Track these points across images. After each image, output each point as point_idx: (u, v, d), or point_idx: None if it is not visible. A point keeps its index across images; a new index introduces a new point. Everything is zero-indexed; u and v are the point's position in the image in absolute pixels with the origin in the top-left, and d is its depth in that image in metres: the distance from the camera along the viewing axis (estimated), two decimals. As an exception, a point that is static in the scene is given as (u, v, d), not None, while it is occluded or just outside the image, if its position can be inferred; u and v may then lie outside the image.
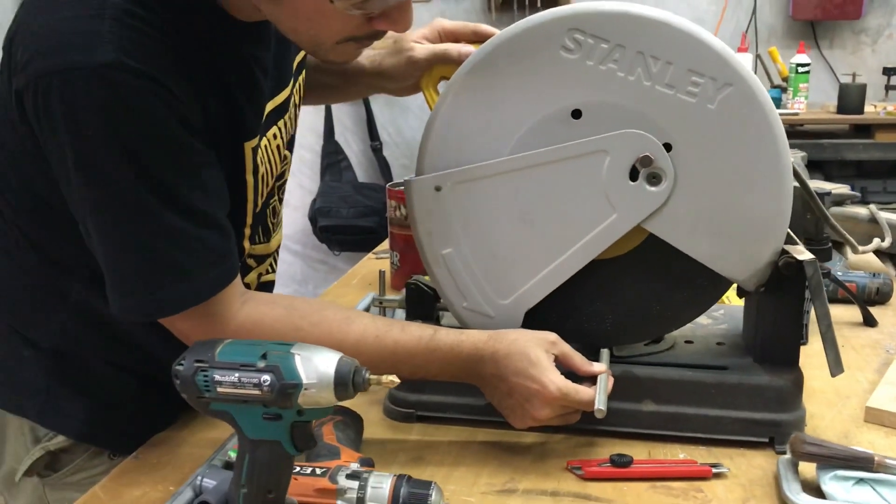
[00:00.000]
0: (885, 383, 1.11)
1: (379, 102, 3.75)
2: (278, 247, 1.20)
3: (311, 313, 0.94)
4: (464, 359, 0.95)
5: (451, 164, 0.99)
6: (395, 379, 0.71)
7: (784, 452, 0.94)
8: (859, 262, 1.66)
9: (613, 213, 0.96)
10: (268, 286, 1.19)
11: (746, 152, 0.92)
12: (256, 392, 0.70)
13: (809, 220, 1.29)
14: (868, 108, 3.01)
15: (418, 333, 0.96)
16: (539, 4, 3.44)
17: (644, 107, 0.92)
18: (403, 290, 1.15)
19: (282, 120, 1.08)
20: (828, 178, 3.16)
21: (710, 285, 0.99)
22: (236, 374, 0.70)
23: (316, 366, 0.70)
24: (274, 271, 1.20)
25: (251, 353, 0.71)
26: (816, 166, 3.12)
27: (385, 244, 1.97)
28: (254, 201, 1.03)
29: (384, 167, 3.81)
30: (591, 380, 0.96)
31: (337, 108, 3.74)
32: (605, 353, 1.02)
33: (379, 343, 0.94)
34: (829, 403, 1.09)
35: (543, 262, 0.99)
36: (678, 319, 1.02)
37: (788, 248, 0.96)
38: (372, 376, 0.71)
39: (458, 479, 0.94)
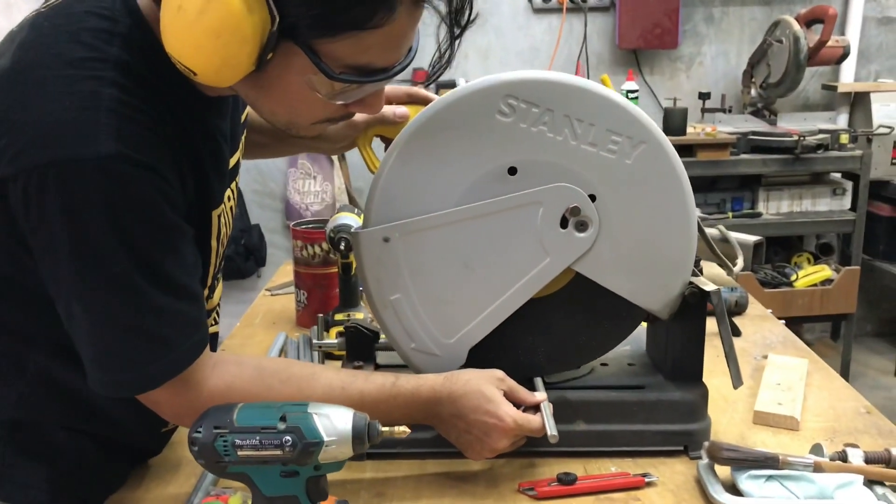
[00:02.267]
0: (764, 388, 1.30)
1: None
2: (217, 303, 1.22)
3: (279, 371, 0.99)
4: (423, 401, 1.03)
5: (397, 217, 1.07)
6: (405, 429, 0.79)
7: (699, 458, 1.08)
8: (711, 277, 1.88)
9: (547, 258, 1.07)
10: (213, 338, 1.21)
11: (659, 200, 1.06)
12: (278, 452, 0.75)
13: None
14: (689, 130, 3.33)
15: (380, 381, 1.02)
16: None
17: (571, 163, 1.04)
18: (333, 333, 1.21)
19: (234, 181, 1.11)
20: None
21: (629, 316, 1.12)
22: (257, 437, 0.75)
23: (334, 423, 0.76)
24: (217, 323, 1.23)
25: (269, 416, 0.76)
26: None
27: (275, 278, 2.01)
28: (215, 264, 1.06)
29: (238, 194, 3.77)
30: (534, 408, 1.07)
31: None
32: (538, 381, 1.13)
33: (345, 394, 1.00)
34: (721, 410, 1.26)
35: (485, 304, 1.09)
36: (603, 348, 1.15)
37: (693, 280, 1.11)
38: (384, 428, 0.78)
39: (423, 510, 1.02)
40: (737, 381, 1.10)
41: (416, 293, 1.09)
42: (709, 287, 1.08)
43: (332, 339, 1.43)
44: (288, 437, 0.75)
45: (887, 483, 1.02)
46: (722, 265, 1.40)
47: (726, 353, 1.10)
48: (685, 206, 1.07)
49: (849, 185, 3.47)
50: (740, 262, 1.74)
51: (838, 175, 3.54)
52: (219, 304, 1.21)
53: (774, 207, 3.45)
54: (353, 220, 1.37)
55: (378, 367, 1.21)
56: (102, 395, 0.95)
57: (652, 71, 3.72)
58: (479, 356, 1.11)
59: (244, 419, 0.76)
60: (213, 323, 1.20)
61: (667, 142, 1.05)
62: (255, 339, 1.61)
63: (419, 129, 1.05)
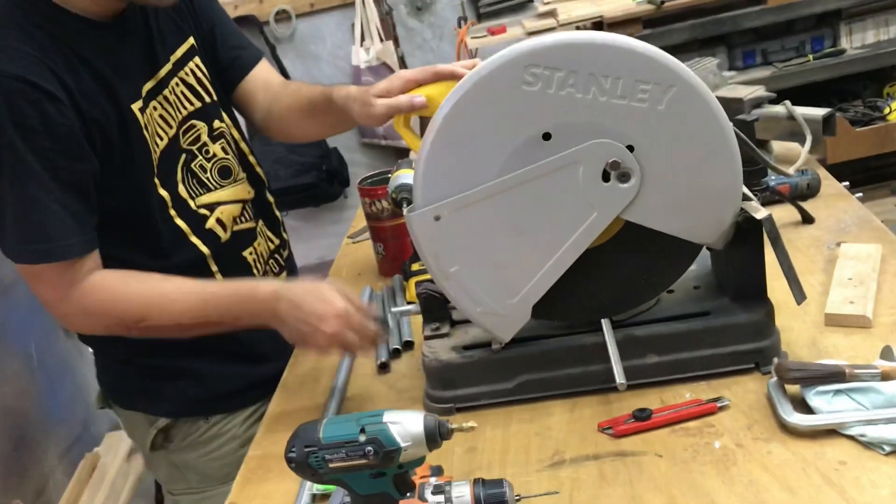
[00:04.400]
0: (835, 286, 1.30)
1: (289, 56, 3.76)
2: (238, 201, 1.52)
3: (141, 274, 1.31)
4: (264, 298, 1.27)
5: (444, 195, 1.11)
6: (473, 424, 0.86)
7: (769, 374, 1.13)
8: (783, 155, 1.85)
9: (594, 212, 1.10)
10: (248, 233, 1.54)
11: (697, 138, 1.07)
12: (363, 461, 0.84)
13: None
14: (757, -26, 3.16)
15: (226, 285, 1.35)
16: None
17: (604, 119, 1.06)
18: (412, 284, 1.31)
19: (160, 96, 1.39)
20: (729, 48, 3.34)
21: (685, 252, 1.15)
22: (343, 451, 0.84)
23: (408, 429, 0.84)
24: (250, 220, 1.54)
25: (350, 430, 0.85)
26: (720, 40, 3.30)
27: (355, 224, 2.09)
28: (172, 158, 1.40)
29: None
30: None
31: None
32: (605, 322, 1.18)
33: (193, 293, 1.31)
34: (792, 314, 1.27)
35: (540, 263, 1.14)
36: (663, 285, 1.19)
37: (745, 205, 1.12)
38: (454, 424, 0.86)
39: (512, 461, 1.11)
40: (799, 297, 1.13)
41: (473, 263, 1.14)
42: (760, 214, 1.09)
43: (411, 289, 1.52)
44: (369, 448, 0.84)
45: (958, 381, 1.04)
46: (778, 172, 1.38)
47: (785, 274, 1.11)
48: (725, 139, 1.07)
49: (939, 0, 3.24)
50: (808, 140, 1.70)
51: (928, -9, 3.29)
52: (238, 203, 1.51)
53: (859, 40, 3.26)
54: (412, 176, 1.43)
55: (454, 325, 1.29)
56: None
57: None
58: (544, 308, 1.17)
59: (329, 435, 0.85)
60: (243, 220, 1.53)
61: (696, 80, 1.05)
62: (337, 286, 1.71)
63: (451, 110, 1.07)
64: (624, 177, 1.08)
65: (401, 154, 3.77)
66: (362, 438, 0.84)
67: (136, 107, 1.33)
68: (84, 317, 1.32)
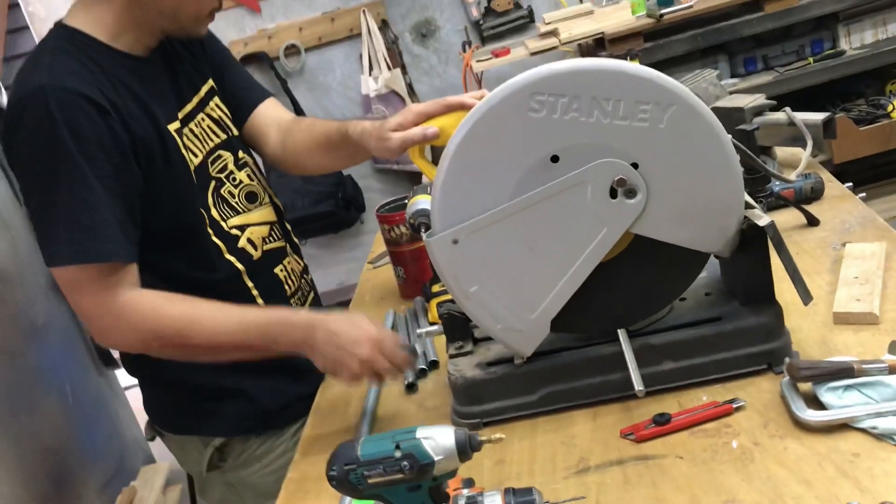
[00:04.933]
0: (841, 285, 1.35)
1: (301, 89, 3.84)
2: (266, 222, 1.62)
3: (186, 297, 1.39)
4: (298, 325, 1.35)
5: (461, 220, 1.17)
6: (501, 436, 0.92)
7: (781, 373, 1.17)
8: (786, 160, 1.90)
9: (604, 228, 1.16)
10: (279, 252, 1.63)
11: (698, 153, 1.12)
12: (400, 476, 0.90)
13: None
14: (752, -17, 3.22)
15: (262, 311, 1.45)
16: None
17: (608, 139, 1.12)
18: (433, 305, 1.38)
19: (193, 122, 1.51)
20: (731, 56, 3.39)
21: (694, 261, 1.21)
22: (381, 467, 0.90)
23: (440, 443, 0.90)
24: (279, 239, 1.65)
25: (386, 447, 0.90)
26: (720, 48, 3.35)
27: (374, 249, 2.16)
28: (207, 178, 1.52)
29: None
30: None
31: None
32: (622, 332, 1.24)
33: (229, 318, 1.37)
34: (802, 315, 1.32)
35: (556, 279, 1.19)
36: (675, 293, 1.24)
37: (748, 213, 1.17)
38: (483, 437, 0.91)
39: (539, 470, 1.16)
40: (806, 298, 1.17)
41: (491, 282, 1.20)
42: (762, 221, 1.15)
43: (433, 310, 1.58)
44: (405, 462, 0.89)
45: (963, 370, 1.08)
46: (777, 178, 1.43)
47: (791, 276, 1.16)
48: (724, 152, 1.13)
49: (935, -4, 3.28)
50: (809, 145, 1.75)
51: (923, -12, 3.34)
52: (268, 225, 1.63)
53: (857, 41, 3.31)
54: (428, 202, 1.49)
55: (476, 342, 1.35)
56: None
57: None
58: (562, 322, 1.22)
59: (367, 453, 0.91)
60: (273, 239, 1.63)
61: (694, 98, 1.10)
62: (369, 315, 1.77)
63: (463, 139, 1.14)
64: (630, 193, 1.14)
65: (413, 178, 3.84)
66: (398, 454, 0.90)
67: (172, 127, 1.45)
68: (123, 330, 1.36)
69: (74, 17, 1.41)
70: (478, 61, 3.31)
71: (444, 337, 1.36)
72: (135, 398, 2.47)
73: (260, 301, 1.57)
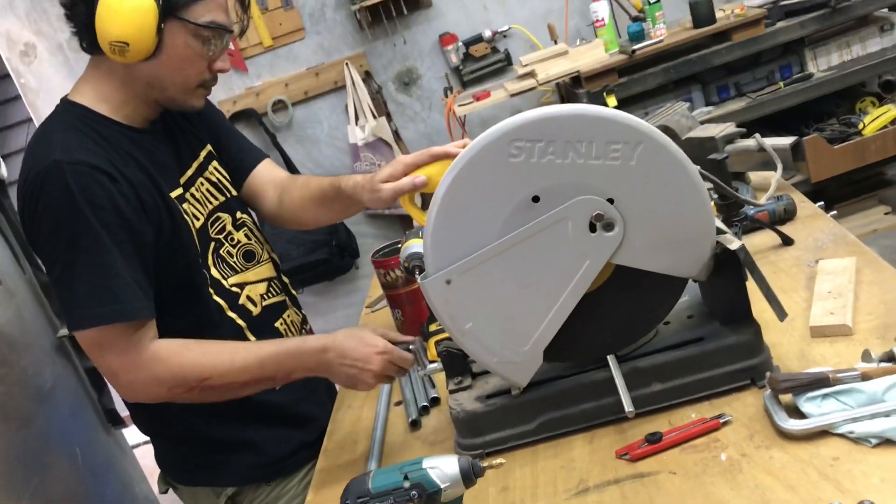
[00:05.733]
0: (816, 300, 1.43)
1: (290, 142, 3.93)
2: (264, 279, 1.69)
3: (198, 342, 1.47)
4: (312, 350, 1.44)
5: (452, 261, 1.25)
6: (502, 461, 0.98)
7: (764, 387, 1.24)
8: (759, 184, 1.99)
9: (587, 260, 1.23)
10: (278, 306, 1.70)
11: (668, 186, 1.20)
12: (410, 504, 0.96)
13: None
14: (719, 14, 3.34)
15: (279, 344, 1.51)
16: (405, 13, 3.66)
17: (584, 178, 1.20)
18: (432, 343, 1.46)
19: (193, 187, 1.59)
20: (704, 85, 3.50)
21: (673, 286, 1.28)
22: (391, 498, 0.96)
23: (445, 471, 0.96)
24: (278, 294, 1.72)
25: (395, 478, 0.97)
26: (693, 79, 3.47)
27: (371, 294, 2.22)
28: (210, 240, 1.60)
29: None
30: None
31: (252, 162, 3.91)
32: (611, 358, 1.30)
33: (249, 353, 1.46)
34: (781, 330, 1.39)
35: (545, 311, 1.26)
36: (658, 317, 1.31)
37: (721, 238, 1.25)
38: (484, 463, 0.98)
39: (542, 494, 1.22)
40: (781, 315, 1.25)
41: (485, 318, 1.27)
42: (734, 245, 1.22)
43: (431, 348, 1.65)
44: (414, 492, 0.95)
45: (932, 373, 1.15)
46: (748, 204, 1.51)
47: (765, 295, 1.24)
48: (692, 183, 1.21)
49: (895, 17, 3.41)
50: (779, 168, 1.84)
51: (885, 10, 3.46)
52: (266, 282, 1.70)
53: (824, 63, 3.43)
54: (421, 245, 1.56)
55: (475, 377, 1.42)
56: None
57: (670, -36, 3.70)
58: (554, 351, 1.29)
59: (377, 485, 0.97)
60: (272, 294, 1.69)
61: (661, 136, 1.19)
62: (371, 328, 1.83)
63: (449, 187, 1.21)
64: (608, 226, 1.22)
65: (404, 221, 3.92)
66: (406, 485, 0.96)
67: (175, 195, 1.53)
68: (149, 382, 1.43)
69: (79, 92, 1.50)
70: (460, 105, 3.41)
71: (443, 374, 1.43)
72: (143, 455, 2.52)
73: None
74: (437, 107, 3.92)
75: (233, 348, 1.47)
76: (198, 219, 1.58)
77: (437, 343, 1.45)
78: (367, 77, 3.84)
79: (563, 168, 1.19)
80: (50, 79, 3.72)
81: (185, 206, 1.55)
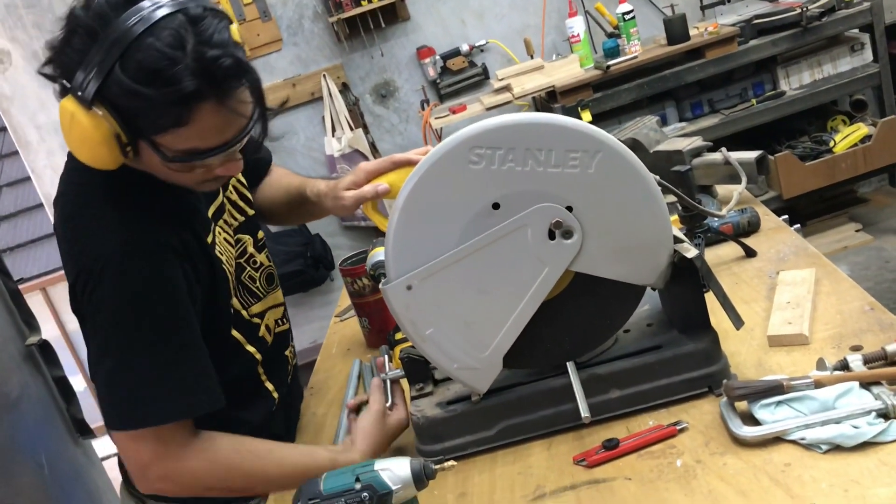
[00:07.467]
0: (775, 310, 1.44)
1: (265, 154, 3.93)
2: (280, 304, 1.62)
3: (248, 445, 1.34)
4: (345, 462, 1.27)
5: (413, 267, 1.25)
6: (453, 463, 0.99)
7: (721, 395, 1.25)
8: (725, 196, 2.01)
9: (546, 267, 1.24)
10: (284, 335, 1.62)
11: (626, 194, 1.21)
12: (361, 507, 0.96)
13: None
14: (693, 32, 3.38)
15: (312, 455, 1.37)
16: (383, 26, 3.68)
17: (543, 186, 1.21)
18: (397, 351, 1.47)
19: (221, 219, 1.47)
20: (678, 102, 3.54)
21: (631, 294, 1.29)
22: (342, 499, 0.96)
23: (397, 473, 0.96)
24: (287, 321, 1.64)
25: (347, 480, 0.97)
26: (667, 95, 3.51)
27: (340, 303, 2.22)
28: (240, 279, 1.48)
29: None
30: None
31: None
32: (570, 365, 1.31)
33: (293, 461, 1.35)
34: (740, 339, 1.41)
35: (505, 317, 1.27)
36: (616, 325, 1.32)
37: (678, 247, 1.26)
38: (437, 466, 0.98)
39: (499, 500, 1.22)
40: (738, 323, 1.26)
41: (445, 324, 1.27)
42: (690, 254, 1.24)
43: (396, 356, 1.66)
44: (365, 493, 0.95)
45: (883, 382, 1.17)
46: (711, 215, 1.53)
47: (721, 303, 1.25)
48: (650, 193, 1.22)
49: (865, 37, 3.47)
50: (743, 181, 1.86)
51: (855, 30, 3.52)
52: (279, 307, 1.62)
53: (796, 81, 3.48)
54: None
55: (437, 384, 1.42)
56: None
57: (645, -19, 3.76)
58: (514, 358, 1.30)
59: (329, 487, 0.97)
60: (281, 323, 1.62)
61: (619, 145, 1.20)
62: (335, 369, 1.84)
63: (410, 193, 1.22)
64: (567, 234, 1.23)
65: (380, 233, 3.92)
66: (358, 486, 0.96)
67: (210, 240, 1.38)
68: (186, 476, 1.30)
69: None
70: (436, 118, 3.43)
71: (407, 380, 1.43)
72: (112, 467, 2.49)
73: (270, 387, 1.55)
74: (414, 119, 3.94)
75: (279, 459, 1.34)
76: (230, 254, 1.45)
77: (401, 350, 1.46)
78: (345, 89, 3.85)
79: (522, 175, 1.20)
80: (24, 86, 3.71)
81: (217, 247, 1.40)
